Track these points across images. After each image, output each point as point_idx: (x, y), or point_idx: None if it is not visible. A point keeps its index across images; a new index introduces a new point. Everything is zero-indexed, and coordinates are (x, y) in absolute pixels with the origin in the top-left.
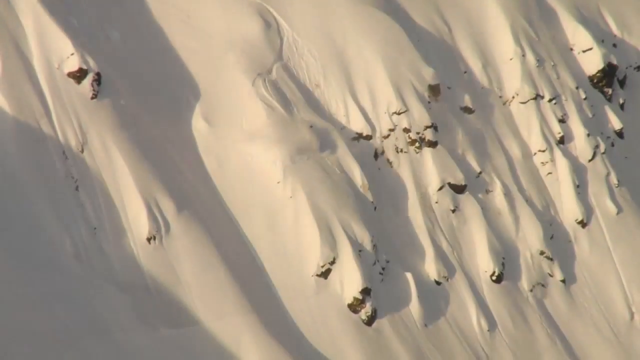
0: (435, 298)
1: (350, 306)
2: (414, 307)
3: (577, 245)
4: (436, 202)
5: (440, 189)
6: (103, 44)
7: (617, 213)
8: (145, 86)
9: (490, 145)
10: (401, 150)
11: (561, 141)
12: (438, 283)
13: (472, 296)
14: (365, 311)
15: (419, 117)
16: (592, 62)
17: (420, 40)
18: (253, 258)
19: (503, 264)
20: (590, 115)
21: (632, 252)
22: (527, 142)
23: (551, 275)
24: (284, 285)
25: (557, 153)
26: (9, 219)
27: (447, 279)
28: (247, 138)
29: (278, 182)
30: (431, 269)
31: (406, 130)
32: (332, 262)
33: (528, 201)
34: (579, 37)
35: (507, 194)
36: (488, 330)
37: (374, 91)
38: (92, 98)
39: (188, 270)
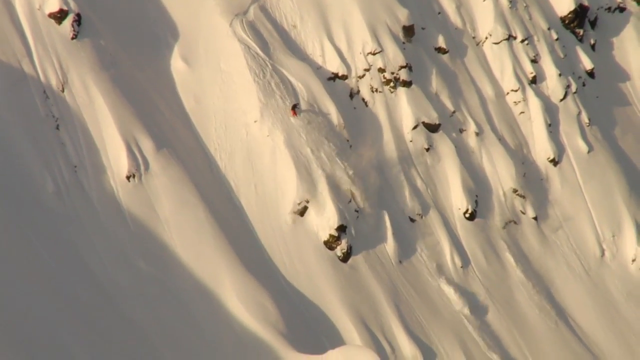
0: (409, 235)
1: (326, 243)
2: (389, 244)
3: (549, 183)
4: (410, 141)
5: (415, 128)
6: None
7: (588, 151)
8: (125, 27)
9: (464, 85)
10: (376, 90)
11: (533, 81)
12: (412, 220)
13: (446, 233)
14: (341, 248)
15: (394, 57)
16: (564, 3)
17: None
18: (231, 196)
19: (476, 202)
20: (561, 56)
21: (603, 190)
22: (500, 82)
23: (523, 213)
24: (261, 223)
25: (530, 93)
26: None
27: (422, 217)
28: (224, 78)
29: (255, 121)
30: (406, 206)
31: (381, 71)
32: (309, 200)
33: (501, 140)
34: None
35: (480, 132)
36: (461, 267)
37: (349, 32)
38: (73, 38)
39: (167, 208)
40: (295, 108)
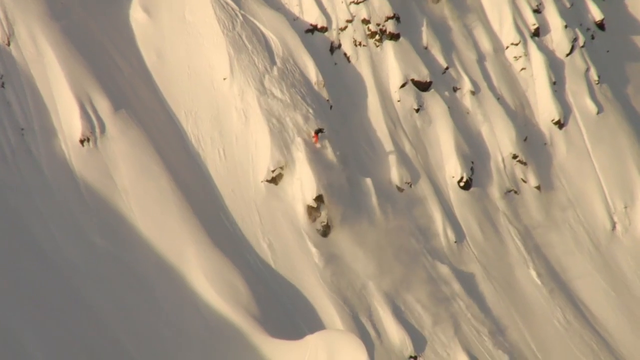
0: (397, 206)
1: (304, 215)
2: (374, 215)
3: (553, 148)
4: (398, 101)
5: (403, 86)
6: None
7: (597, 112)
8: None
9: (458, 38)
10: (360, 44)
11: (536, 33)
12: (400, 190)
13: (438, 204)
14: (321, 221)
15: (380, 6)
16: None
17: None
18: (197, 163)
19: (472, 169)
20: (568, 5)
21: (614, 155)
22: (499, 35)
23: (525, 181)
24: (231, 192)
25: (532, 46)
26: None
27: (411, 185)
28: (189, 30)
29: (224, 79)
30: (393, 174)
31: (365, 22)
32: (284, 167)
33: (499, 100)
34: None
35: (477, 91)
36: (455, 242)
37: None
38: None
39: (125, 176)
40: (319, 133)
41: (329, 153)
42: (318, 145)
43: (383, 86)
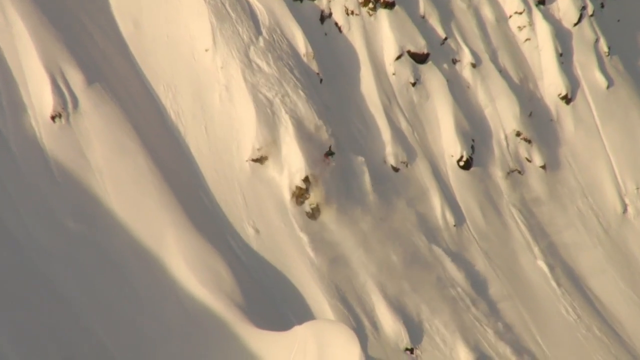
0: (392, 187)
1: (292, 197)
2: (368, 197)
3: (560, 125)
4: (393, 74)
5: (398, 58)
6: None
7: (607, 86)
8: None
9: (458, 6)
10: (352, 13)
11: (541, 1)
12: (396, 169)
13: (436, 185)
14: (310, 202)
15: None
16: None
17: None
18: (177, 140)
19: (472, 147)
20: None
21: (625, 132)
22: (502, 3)
23: (529, 160)
24: (214, 172)
25: (537, 15)
26: None
27: (407, 165)
28: None
29: (206, 50)
30: (387, 152)
31: None
32: (270, 145)
33: (502, 72)
34: None
35: (478, 64)
36: (454, 226)
37: None
38: None
39: (100, 154)
40: (330, 155)
41: (320, 130)
42: (328, 164)
43: (377, 58)
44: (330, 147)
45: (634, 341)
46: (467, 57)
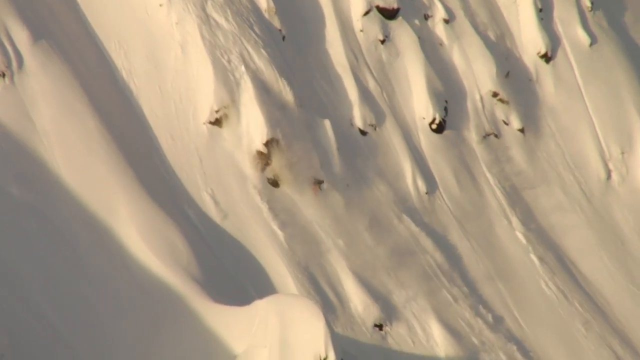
0: (359, 151)
1: (252, 162)
2: (334, 162)
3: (540, 85)
4: (361, 31)
5: (366, 13)
6: None
7: (590, 44)
8: None
9: None
10: None
11: None
12: (363, 133)
13: (407, 149)
14: (272, 168)
15: None
16: None
17: None
18: (129, 102)
19: (445, 109)
20: None
21: (609, 92)
22: None
23: (506, 123)
24: (169, 136)
25: None
26: None
27: (375, 128)
28: None
29: (160, 5)
30: (355, 115)
31: None
32: (229, 107)
33: (477, 29)
34: None
35: (451, 19)
36: (426, 193)
37: None
38: None
39: (46, 116)
40: (319, 185)
41: (282, 90)
42: (316, 194)
43: (343, 14)
44: (320, 178)
45: (619, 317)
46: (439, 13)
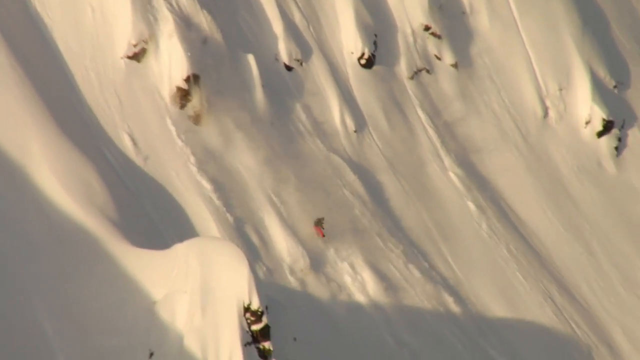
0: (284, 88)
1: (172, 99)
2: (258, 99)
3: (474, 18)
4: None
5: None
6: None
7: None
8: None
9: None
10: None
11: None
12: (289, 68)
13: (334, 85)
14: (193, 106)
15: None
16: None
17: None
18: (43, 35)
19: (375, 43)
20: None
21: (546, 25)
22: None
23: (439, 58)
24: (84, 70)
25: None
26: None
27: (301, 63)
28: None
29: None
30: (280, 49)
31: None
32: (148, 40)
33: None
34: None
35: None
36: (355, 131)
37: None
38: None
39: None
40: (321, 225)
41: (203, 23)
42: (323, 236)
43: None
44: (322, 219)
45: (556, 261)
46: None
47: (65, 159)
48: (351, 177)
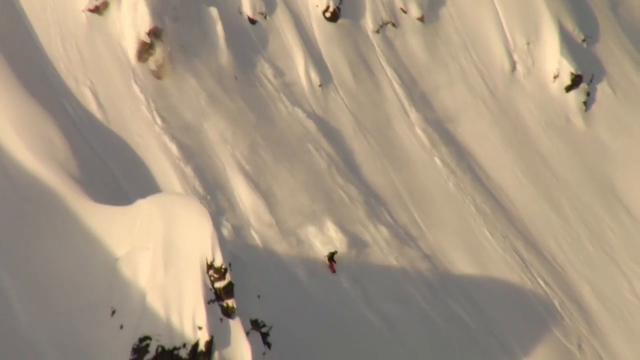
0: (248, 41)
1: (135, 52)
2: (221, 53)
3: None
4: None
5: None
6: None
7: None
8: None
9: None
10: None
11: None
12: (253, 22)
13: (299, 39)
14: (155, 59)
15: None
16: None
17: None
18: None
19: None
20: None
21: None
22: None
23: (404, 12)
24: (45, 24)
25: None
26: None
27: (265, 16)
28: None
29: None
30: (244, 2)
31: None
32: None
33: None
34: None
35: None
36: (320, 86)
37: None
38: None
39: None
40: (332, 259)
41: None
42: (334, 271)
43: None
44: (334, 253)
45: (524, 218)
46: None
47: (26, 114)
48: (315, 131)
